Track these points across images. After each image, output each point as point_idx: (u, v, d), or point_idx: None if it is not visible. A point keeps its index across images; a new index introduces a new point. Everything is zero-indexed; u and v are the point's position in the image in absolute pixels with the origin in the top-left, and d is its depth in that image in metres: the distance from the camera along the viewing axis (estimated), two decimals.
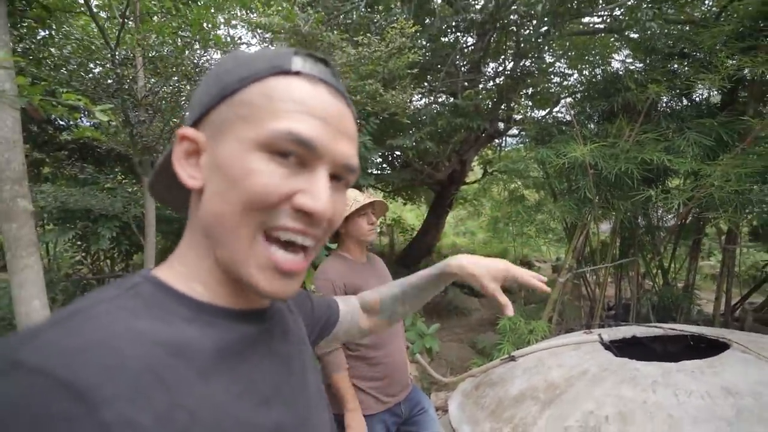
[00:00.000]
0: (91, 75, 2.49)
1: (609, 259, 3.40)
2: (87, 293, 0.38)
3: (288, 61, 0.41)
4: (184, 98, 2.40)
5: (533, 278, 0.79)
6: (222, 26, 3.56)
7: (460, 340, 4.64)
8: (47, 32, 2.33)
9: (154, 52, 2.49)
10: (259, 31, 4.26)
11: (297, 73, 0.41)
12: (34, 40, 2.35)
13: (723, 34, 3.00)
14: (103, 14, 2.85)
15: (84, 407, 0.27)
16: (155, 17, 2.55)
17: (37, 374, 0.27)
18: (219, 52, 3.09)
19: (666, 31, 3.51)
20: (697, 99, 3.56)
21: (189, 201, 0.46)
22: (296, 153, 0.38)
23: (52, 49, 2.55)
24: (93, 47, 2.13)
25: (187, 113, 0.48)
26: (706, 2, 4.64)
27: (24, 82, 1.18)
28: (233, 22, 3.80)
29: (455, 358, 4.08)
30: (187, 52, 2.27)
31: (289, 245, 0.40)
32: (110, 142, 2.13)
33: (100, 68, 2.57)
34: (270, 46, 4.62)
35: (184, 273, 0.42)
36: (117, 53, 2.08)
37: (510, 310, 0.77)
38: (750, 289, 3.93)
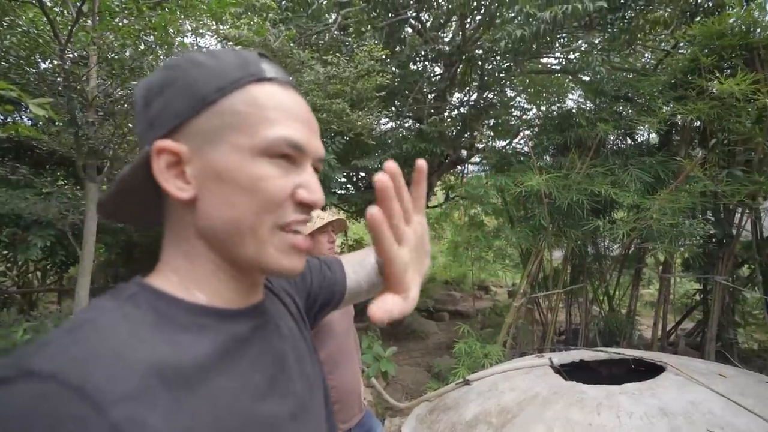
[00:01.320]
0: (35, 70, 2.31)
1: (561, 285, 3.55)
2: (87, 305, 0.39)
3: (261, 68, 0.44)
4: None
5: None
6: (189, 34, 3.49)
7: (416, 364, 4.60)
8: None
9: (112, 54, 2.37)
10: (229, 43, 4.21)
11: (271, 79, 0.44)
12: None
13: (659, 83, 3.33)
14: (57, 9, 2.70)
15: (94, 409, 0.30)
16: (116, 18, 2.45)
17: (50, 380, 0.30)
18: None
19: (613, 76, 3.84)
20: (639, 139, 3.89)
21: (151, 215, 0.49)
22: (291, 155, 0.43)
23: None
24: (41, 41, 2.00)
25: (143, 125, 0.46)
26: (646, 55, 5.16)
27: None
28: (201, 31, 3.73)
29: (411, 382, 4.03)
30: (150, 56, 2.18)
31: (295, 231, 0.45)
32: (52, 142, 1.97)
33: (48, 64, 2.41)
34: None
35: (176, 280, 0.44)
36: (68, 50, 1.96)
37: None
38: (682, 316, 4.23)
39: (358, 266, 0.74)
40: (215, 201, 0.42)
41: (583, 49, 4.36)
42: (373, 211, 0.40)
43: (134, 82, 2.27)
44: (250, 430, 0.40)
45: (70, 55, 2.02)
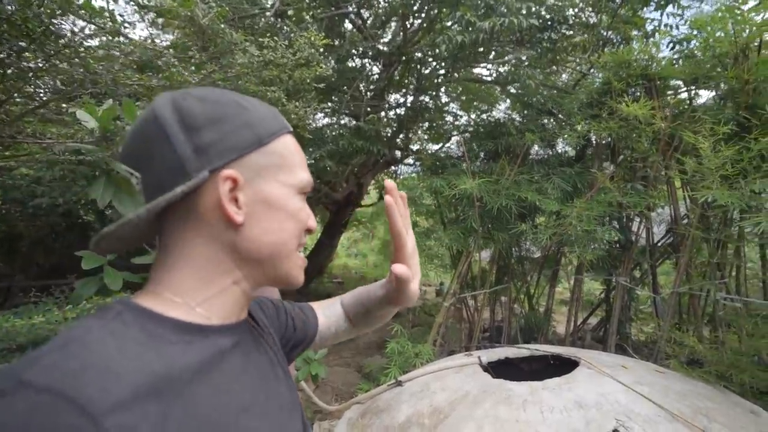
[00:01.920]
0: None
1: (487, 285, 3.72)
2: (73, 325, 0.41)
3: (286, 122, 0.56)
4: (22, 63, 1.89)
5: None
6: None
7: (347, 365, 4.53)
8: None
9: None
10: (148, 13, 3.75)
11: (290, 132, 0.56)
12: None
13: (578, 101, 3.65)
14: None
15: (89, 419, 0.32)
16: None
17: (44, 392, 0.32)
18: (93, 24, 2.58)
19: (540, 91, 4.14)
20: (560, 150, 4.24)
21: (141, 239, 0.52)
22: (307, 193, 0.56)
23: None
24: None
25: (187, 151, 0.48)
26: (563, 76, 5.67)
27: None
28: None
29: (341, 384, 3.95)
30: (34, 4, 1.79)
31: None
32: None
33: None
34: (161, 31, 4.10)
35: (169, 298, 0.47)
36: None
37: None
38: (588, 313, 4.72)
39: (327, 310, 0.81)
40: (264, 225, 0.50)
41: (512, 63, 4.64)
42: (388, 197, 0.60)
43: (12, 38, 1.84)
44: None
45: None
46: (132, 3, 3.34)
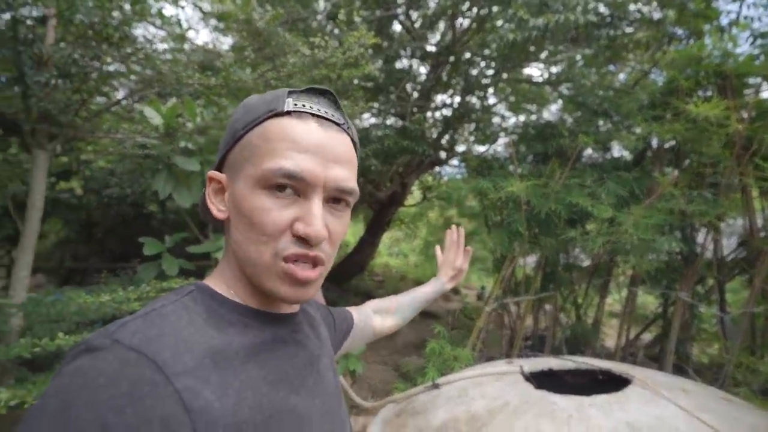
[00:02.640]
0: None
1: (532, 291, 3.58)
2: (156, 298, 0.48)
3: (281, 103, 0.48)
4: (102, 66, 2.07)
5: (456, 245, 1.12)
6: (169, 2, 3.25)
7: (384, 363, 4.55)
8: None
9: (68, 12, 2.12)
10: (211, 20, 4.00)
11: (288, 113, 0.48)
12: None
13: (638, 102, 3.41)
14: None
15: (163, 376, 0.37)
16: None
17: (131, 350, 0.37)
18: (162, 30, 2.79)
19: (596, 91, 3.92)
20: (616, 154, 3.99)
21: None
22: (291, 185, 0.46)
23: None
24: None
25: None
26: (621, 76, 5.32)
27: None
28: (182, 3, 3.51)
29: (378, 381, 3.97)
30: (116, 14, 1.97)
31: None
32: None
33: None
34: (222, 35, 4.34)
35: (225, 284, 0.51)
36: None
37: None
38: (642, 327, 4.39)
39: (358, 309, 0.91)
40: (233, 225, 0.49)
41: (566, 62, 4.43)
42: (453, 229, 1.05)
43: (94, 43, 2.04)
44: (283, 417, 0.45)
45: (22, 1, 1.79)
46: (196, 9, 3.56)
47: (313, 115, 0.48)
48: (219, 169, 0.52)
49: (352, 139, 0.52)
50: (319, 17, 4.53)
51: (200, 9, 3.74)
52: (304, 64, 2.48)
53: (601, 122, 3.77)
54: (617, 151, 3.94)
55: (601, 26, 3.72)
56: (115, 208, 4.42)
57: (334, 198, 0.49)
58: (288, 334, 0.52)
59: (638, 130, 3.19)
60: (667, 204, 2.90)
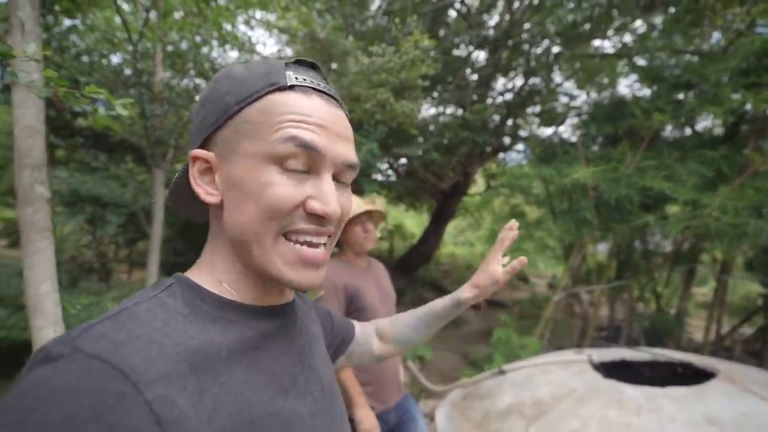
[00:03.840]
0: (110, 65, 2.54)
1: (605, 280, 3.44)
2: (131, 295, 0.43)
3: (282, 76, 0.45)
4: (198, 94, 2.47)
5: (513, 267, 0.79)
6: (241, 25, 3.64)
7: (452, 350, 4.66)
8: (72, 22, 2.40)
9: (172, 47, 2.55)
10: (276, 32, 4.34)
11: (291, 87, 0.45)
12: (59, 29, 2.41)
13: (728, 69, 3.05)
14: (126, 6, 2.92)
15: (131, 387, 0.33)
16: (177, 13, 2.61)
17: (93, 359, 0.33)
18: (236, 50, 3.15)
19: (674, 60, 3.57)
20: (700, 129, 3.61)
21: (206, 213, 0.52)
22: (303, 159, 0.43)
23: (75, 38, 2.62)
24: (115, 40, 2.20)
25: (192, 133, 0.50)
26: (715, 35, 4.71)
27: (52, 74, 1.23)
28: (252, 23, 3.87)
29: (446, 368, 4.11)
30: (205, 49, 2.33)
31: (306, 242, 0.45)
32: (125, 133, 2.18)
33: (120, 59, 2.63)
34: (287, 48, 4.69)
35: (210, 276, 0.47)
36: (138, 47, 2.14)
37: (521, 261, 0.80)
38: (741, 319, 3.96)
39: (362, 326, 0.83)
40: (231, 207, 0.45)
41: (640, 31, 4.06)
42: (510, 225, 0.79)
43: (192, 73, 2.45)
44: (269, 422, 0.41)
45: (139, 49, 2.21)
46: (264, 26, 3.91)
47: (314, 89, 0.46)
48: (203, 147, 0.47)
49: (345, 115, 0.50)
50: (373, 17, 4.67)
51: (267, 24, 4.08)
52: (363, 71, 2.65)
53: (681, 95, 3.44)
54: (701, 126, 3.56)
55: None
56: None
57: (340, 173, 0.47)
58: (278, 329, 0.49)
59: (731, 99, 2.86)
60: (764, 183, 2.61)
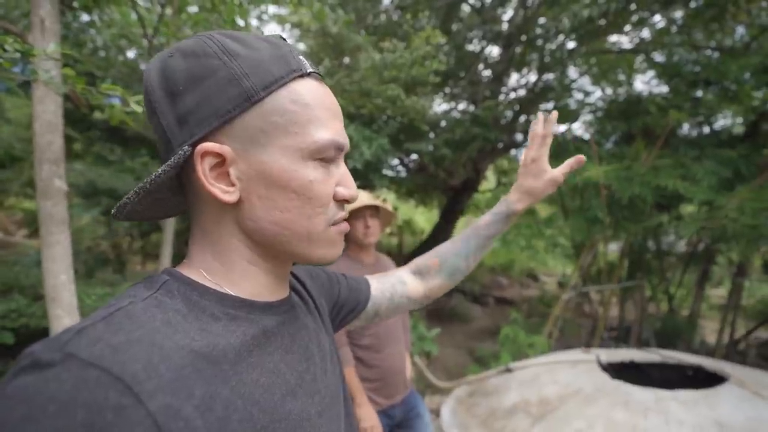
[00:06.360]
0: (125, 60, 2.59)
1: (615, 280, 3.40)
2: (122, 293, 0.40)
3: (300, 62, 0.43)
4: None
5: (570, 165, 0.76)
6: (253, 20, 3.66)
7: (458, 347, 4.67)
8: (90, 18, 2.45)
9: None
10: (288, 26, 4.35)
11: (310, 74, 0.44)
12: (77, 24, 2.47)
13: (750, 66, 2.97)
14: (141, 2, 2.97)
15: (132, 398, 0.30)
16: (191, 8, 2.64)
17: (89, 367, 0.30)
18: None
19: (694, 56, 3.48)
20: (718, 128, 3.52)
21: (168, 211, 0.50)
22: (333, 154, 0.44)
23: (93, 31, 2.66)
24: (131, 36, 2.24)
25: (178, 119, 0.42)
26: (738, 31, 4.57)
27: (70, 73, 1.26)
28: (264, 17, 3.89)
29: (452, 364, 4.12)
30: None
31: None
32: (139, 127, 2.22)
33: (135, 54, 2.67)
34: (299, 43, 4.71)
35: (206, 275, 0.44)
36: (153, 42, 2.17)
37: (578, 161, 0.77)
38: (757, 323, 3.88)
39: (381, 278, 0.76)
40: (265, 204, 0.42)
41: (659, 26, 3.96)
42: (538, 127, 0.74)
43: None
44: (279, 425, 0.40)
45: (155, 44, 2.24)
46: (279, 23, 3.93)
47: (320, 75, 0.46)
48: (207, 139, 0.41)
49: None
50: (386, 12, 4.64)
51: (280, 18, 4.09)
52: (374, 66, 2.65)
53: (700, 92, 3.35)
54: (719, 124, 3.47)
55: None
56: None
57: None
58: (280, 325, 0.46)
59: (752, 96, 2.79)
60: None
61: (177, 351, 0.35)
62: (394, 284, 0.75)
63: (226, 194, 0.42)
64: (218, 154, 0.41)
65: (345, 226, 0.48)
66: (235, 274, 0.45)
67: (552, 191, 0.75)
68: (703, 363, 2.28)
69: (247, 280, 0.45)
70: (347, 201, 0.46)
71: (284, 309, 0.49)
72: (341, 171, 0.46)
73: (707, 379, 2.13)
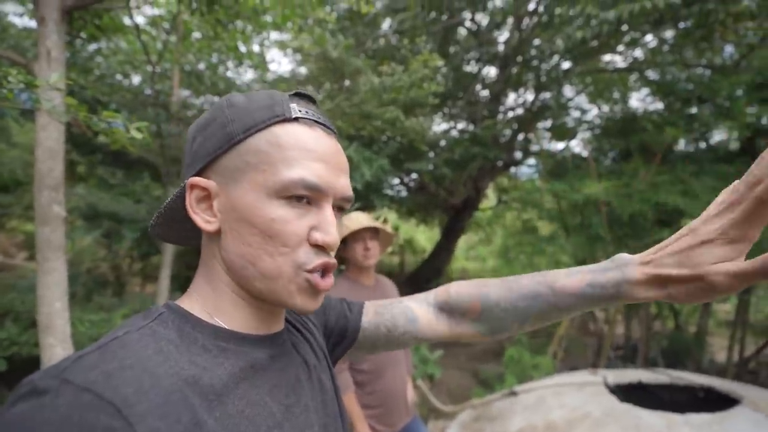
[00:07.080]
0: (130, 85, 2.65)
1: None
2: (120, 323, 0.43)
3: (288, 109, 0.45)
4: None
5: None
6: (255, 46, 3.75)
7: (462, 368, 4.58)
8: (97, 46, 2.52)
9: (189, 67, 2.64)
10: (290, 51, 4.46)
11: (296, 119, 0.45)
12: (85, 52, 2.53)
13: (742, 83, 3.02)
14: (148, 28, 3.05)
15: (122, 420, 0.32)
16: (195, 34, 2.72)
17: (83, 391, 0.32)
18: (251, 70, 3.24)
19: (686, 74, 3.54)
20: (714, 143, 3.55)
21: (194, 238, 0.54)
22: (307, 196, 0.44)
23: (100, 58, 2.74)
24: (135, 62, 2.30)
25: (186, 159, 0.50)
26: (727, 49, 4.67)
27: (73, 102, 1.28)
28: (266, 43, 3.99)
29: (456, 387, 4.03)
30: (221, 68, 2.41)
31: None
32: (141, 151, 2.25)
33: (139, 79, 2.73)
34: (300, 67, 4.82)
35: (201, 303, 0.47)
36: (156, 68, 2.23)
37: None
38: (766, 340, 3.79)
39: (382, 308, 0.66)
40: (234, 236, 0.45)
41: (651, 46, 4.05)
42: None
43: (208, 94, 2.53)
44: None
45: (158, 70, 2.30)
46: (280, 48, 4.03)
47: (316, 122, 0.47)
48: (200, 174, 0.47)
49: (340, 146, 0.50)
50: (389, 34, 4.75)
51: (281, 44, 4.20)
52: (373, 89, 2.70)
53: (694, 109, 3.39)
54: (716, 140, 3.50)
55: (689, 4, 3.35)
56: None
57: (338, 207, 0.48)
58: (271, 358, 0.47)
59: (745, 113, 2.82)
60: None
61: (167, 378, 0.36)
62: (396, 317, 0.65)
63: (207, 224, 0.46)
64: (204, 188, 0.46)
65: (324, 281, 0.45)
66: (225, 303, 0.47)
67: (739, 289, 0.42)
68: (714, 384, 2.22)
69: (237, 311, 0.47)
70: (322, 248, 0.45)
71: (277, 342, 0.50)
72: (323, 216, 0.45)
73: (719, 401, 2.07)
